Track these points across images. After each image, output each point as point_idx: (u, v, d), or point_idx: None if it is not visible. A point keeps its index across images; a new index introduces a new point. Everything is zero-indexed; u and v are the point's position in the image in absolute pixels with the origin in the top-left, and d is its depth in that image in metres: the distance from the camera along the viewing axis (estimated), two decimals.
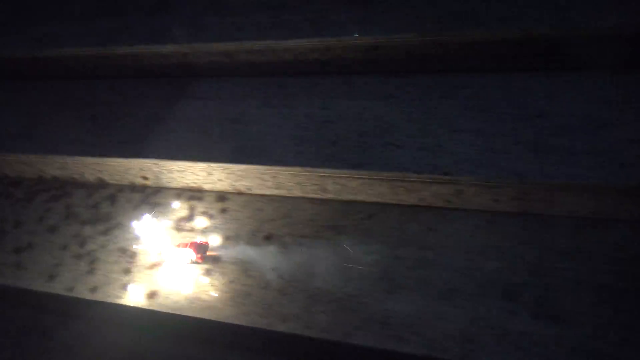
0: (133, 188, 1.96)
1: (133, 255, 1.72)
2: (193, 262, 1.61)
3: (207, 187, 1.83)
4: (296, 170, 1.60)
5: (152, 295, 1.59)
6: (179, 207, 1.83)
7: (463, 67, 1.74)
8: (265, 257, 1.60)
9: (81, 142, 1.95)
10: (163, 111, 1.96)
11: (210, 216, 1.77)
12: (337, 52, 1.83)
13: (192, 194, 1.86)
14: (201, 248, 1.62)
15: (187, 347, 1.56)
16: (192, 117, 1.90)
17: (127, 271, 1.68)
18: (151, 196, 1.91)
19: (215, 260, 1.63)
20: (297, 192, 1.72)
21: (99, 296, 1.64)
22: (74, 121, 2.08)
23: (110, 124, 2.00)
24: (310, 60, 1.87)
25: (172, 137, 1.84)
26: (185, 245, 1.61)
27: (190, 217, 1.79)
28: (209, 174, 1.77)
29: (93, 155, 1.88)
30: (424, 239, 1.54)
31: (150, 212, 1.83)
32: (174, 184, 1.88)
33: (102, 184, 2.00)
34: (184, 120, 1.90)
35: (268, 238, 1.65)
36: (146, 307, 1.56)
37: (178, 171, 1.81)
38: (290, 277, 1.53)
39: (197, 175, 1.80)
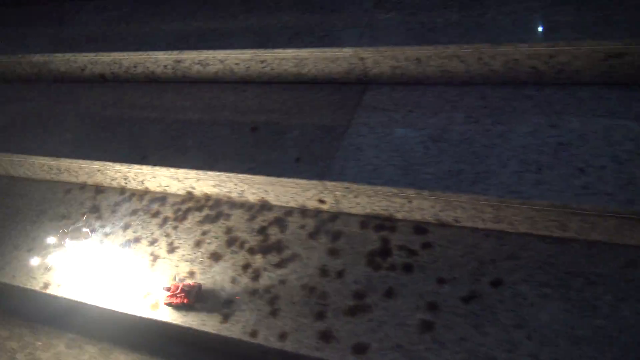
0: (304, 212, 1.69)
1: (323, 295, 1.45)
2: (176, 304, 1.52)
3: (400, 215, 1.55)
4: (541, 204, 1.29)
5: (359, 349, 1.32)
6: (367, 238, 1.55)
7: None
8: (501, 309, 1.29)
9: (243, 157, 1.70)
10: (338, 124, 1.69)
11: (411, 252, 1.49)
12: (563, 59, 1.51)
13: (381, 223, 1.59)
14: (190, 291, 1.52)
15: None
16: (378, 131, 1.62)
17: (321, 316, 1.41)
18: (328, 222, 1.64)
19: (432, 307, 1.34)
20: (523, 228, 1.41)
21: (289, 345, 1.37)
22: (230, 132, 1.84)
23: (275, 138, 1.74)
24: (524, 69, 1.56)
25: (361, 156, 1.56)
26: (177, 287, 1.53)
27: (385, 252, 1.51)
28: (409, 201, 1.49)
29: (264, 173, 1.62)
30: None
31: (329, 242, 1.56)
32: (357, 210, 1.60)
33: (265, 205, 1.74)
34: (368, 135, 1.62)
35: (496, 284, 1.35)
36: None
37: (368, 196, 1.53)
38: (542, 338, 1.22)
39: (391, 202, 1.52)
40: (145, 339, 1.64)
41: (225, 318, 1.48)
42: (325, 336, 1.36)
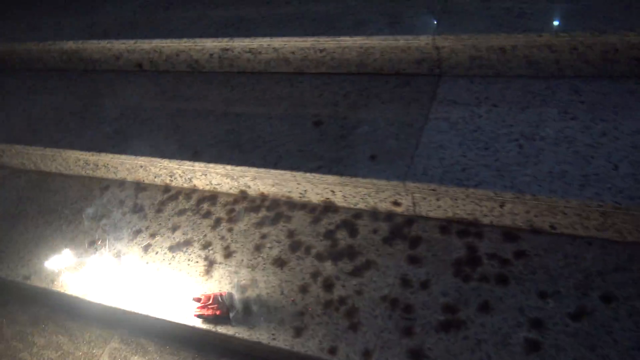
0: (375, 215, 1.55)
1: (408, 309, 1.31)
2: (208, 316, 1.39)
3: (487, 220, 1.41)
4: None
5: None
6: (450, 245, 1.41)
7: None
8: (617, 328, 1.15)
9: (307, 154, 1.56)
10: (414, 119, 1.55)
11: (504, 261, 1.35)
12: None
13: (465, 228, 1.44)
14: (222, 301, 1.39)
15: None
16: (460, 127, 1.47)
17: (409, 331, 1.27)
18: (404, 227, 1.49)
19: (536, 324, 1.20)
20: (632, 237, 1.27)
21: None
22: (290, 127, 1.69)
23: (342, 133, 1.59)
24: (624, 60, 1.42)
25: (445, 154, 1.42)
26: (208, 297, 1.40)
27: (473, 260, 1.36)
28: (501, 205, 1.34)
29: (336, 173, 1.47)
30: None
31: (408, 248, 1.41)
32: (437, 214, 1.46)
33: (330, 207, 1.60)
34: (449, 131, 1.48)
35: (608, 300, 1.21)
36: None
37: (452, 198, 1.39)
38: None
39: (479, 205, 1.37)
40: (201, 353, 1.49)
41: (298, 332, 1.34)
42: (417, 355, 1.22)
